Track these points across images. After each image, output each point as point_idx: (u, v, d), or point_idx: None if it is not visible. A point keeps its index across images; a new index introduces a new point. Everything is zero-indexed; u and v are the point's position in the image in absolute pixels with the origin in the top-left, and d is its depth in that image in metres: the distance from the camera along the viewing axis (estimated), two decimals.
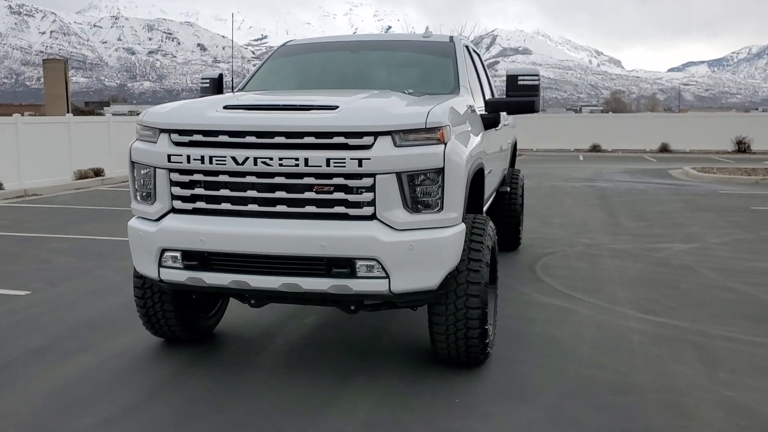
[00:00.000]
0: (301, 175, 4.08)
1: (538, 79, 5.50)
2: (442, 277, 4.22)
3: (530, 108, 5.51)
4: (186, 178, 4.27)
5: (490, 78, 7.58)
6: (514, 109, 5.54)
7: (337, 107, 4.17)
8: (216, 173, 4.20)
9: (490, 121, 5.51)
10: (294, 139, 4.06)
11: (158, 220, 4.37)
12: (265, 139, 4.10)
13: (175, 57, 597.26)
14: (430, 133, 4.11)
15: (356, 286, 4.10)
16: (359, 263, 4.07)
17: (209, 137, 4.19)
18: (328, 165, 4.01)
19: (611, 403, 4.21)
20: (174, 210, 4.35)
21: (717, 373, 4.70)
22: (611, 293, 6.69)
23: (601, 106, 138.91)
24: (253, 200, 4.19)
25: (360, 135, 4.02)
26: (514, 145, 8.80)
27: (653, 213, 12.20)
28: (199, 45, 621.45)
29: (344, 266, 4.08)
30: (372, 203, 4.07)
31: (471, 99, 5.39)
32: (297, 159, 4.03)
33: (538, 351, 5.10)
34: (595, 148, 33.57)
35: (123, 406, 4.15)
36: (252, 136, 4.11)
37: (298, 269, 4.13)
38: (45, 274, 7.51)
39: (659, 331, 5.57)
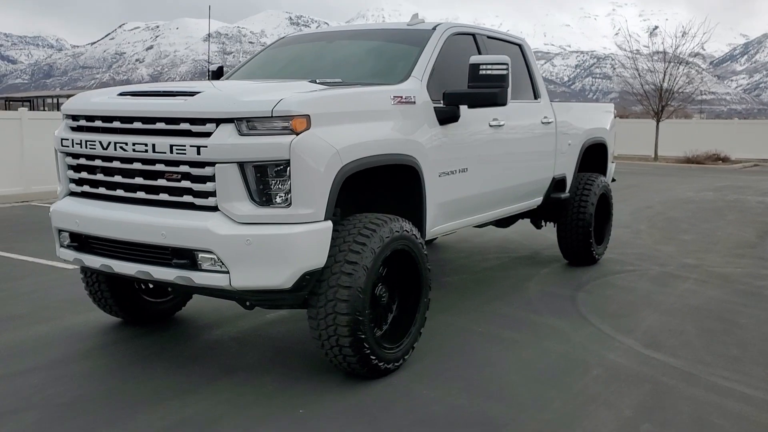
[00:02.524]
0: (152, 162, 4.05)
1: (506, 69, 4.89)
2: (292, 275, 3.91)
3: (492, 101, 4.93)
4: (74, 162, 4.44)
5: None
6: (474, 101, 4.99)
7: (198, 93, 4.06)
8: (92, 158, 4.31)
9: (445, 115, 5.00)
10: (148, 125, 4.05)
11: (61, 201, 4.60)
12: (126, 124, 4.13)
13: None
14: (281, 122, 3.85)
15: (199, 278, 3.96)
16: (200, 255, 3.93)
17: (89, 122, 4.32)
18: (171, 152, 3.94)
19: None
20: (70, 193, 4.54)
21: (640, 423, 3.83)
22: (636, 321, 5.71)
23: None
24: (120, 186, 4.24)
25: (202, 122, 3.89)
26: (588, 147, 7.80)
27: None
28: None
29: (186, 257, 3.97)
30: (215, 193, 3.91)
31: (420, 90, 4.92)
32: (146, 145, 4.01)
33: (459, 373, 4.52)
34: None
35: (16, 370, 4.48)
36: (117, 122, 4.16)
37: (148, 257, 4.10)
38: None
39: (636, 368, 4.66)
